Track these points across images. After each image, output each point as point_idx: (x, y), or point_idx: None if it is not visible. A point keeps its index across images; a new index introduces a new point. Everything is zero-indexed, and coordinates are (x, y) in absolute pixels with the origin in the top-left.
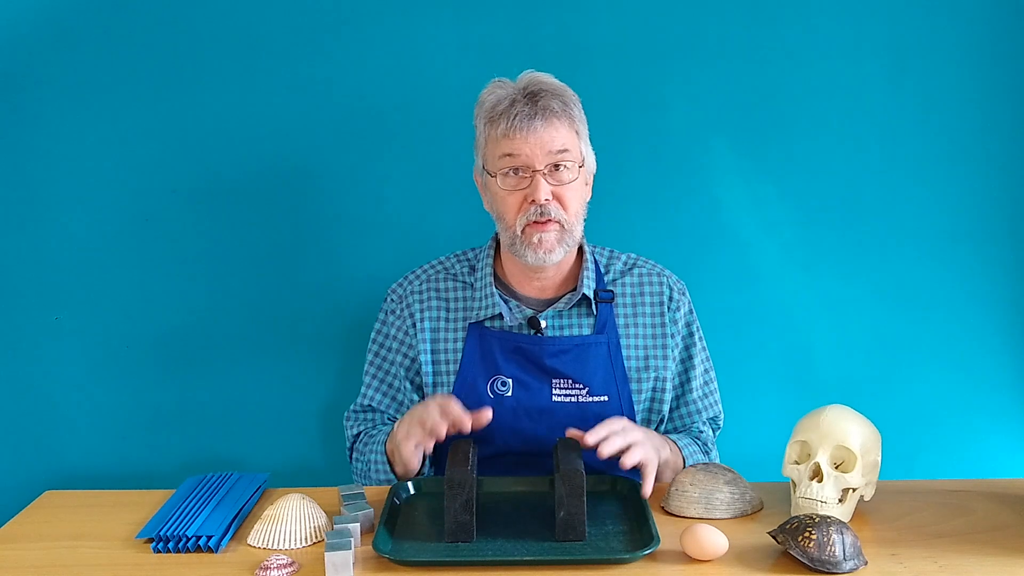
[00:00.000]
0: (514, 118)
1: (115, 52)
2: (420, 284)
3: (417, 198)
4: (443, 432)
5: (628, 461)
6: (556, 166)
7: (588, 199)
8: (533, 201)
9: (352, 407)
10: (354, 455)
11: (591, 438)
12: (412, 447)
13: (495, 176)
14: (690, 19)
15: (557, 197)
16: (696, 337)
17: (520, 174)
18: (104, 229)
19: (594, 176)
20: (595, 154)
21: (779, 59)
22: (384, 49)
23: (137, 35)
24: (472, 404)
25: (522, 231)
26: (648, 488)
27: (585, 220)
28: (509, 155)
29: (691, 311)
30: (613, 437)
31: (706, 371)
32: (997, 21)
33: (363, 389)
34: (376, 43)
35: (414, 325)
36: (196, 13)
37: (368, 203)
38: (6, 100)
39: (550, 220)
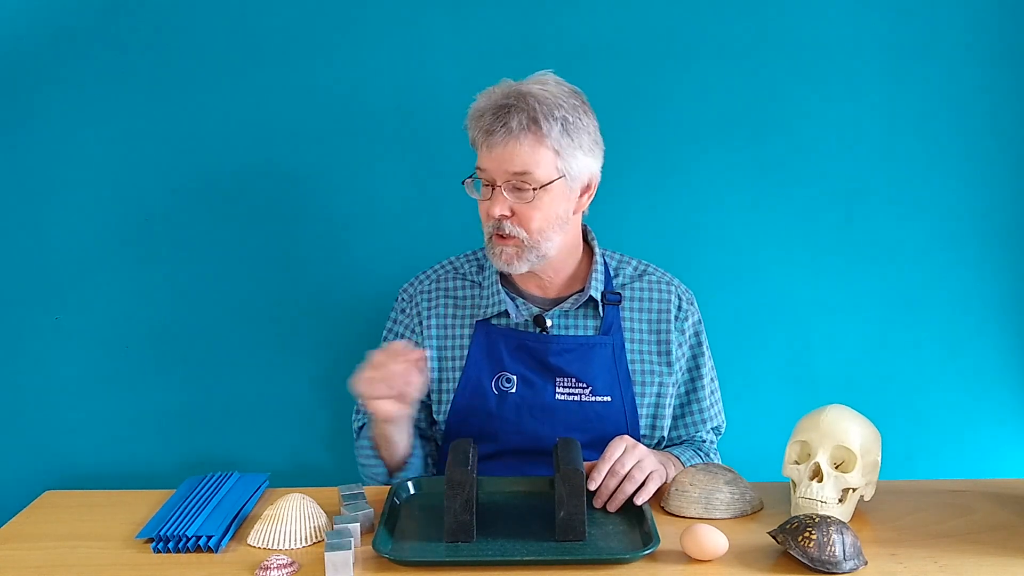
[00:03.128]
0: (480, 131)
1: (115, 52)
2: (429, 284)
3: (420, 198)
4: (399, 372)
5: (647, 495)
6: (517, 185)
7: (571, 210)
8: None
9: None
10: (356, 447)
11: (593, 484)
12: (386, 406)
13: (466, 181)
14: (691, 19)
15: (517, 213)
16: (704, 347)
17: (487, 184)
18: (104, 229)
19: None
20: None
21: (780, 59)
22: (388, 49)
23: (137, 35)
24: (476, 399)
25: (489, 239)
26: (645, 498)
27: (587, 220)
28: (480, 168)
29: (699, 320)
30: (625, 484)
31: (712, 380)
32: (997, 21)
33: None
34: (380, 42)
35: (420, 323)
36: (196, 13)
37: (369, 203)
38: (6, 100)
39: (506, 236)
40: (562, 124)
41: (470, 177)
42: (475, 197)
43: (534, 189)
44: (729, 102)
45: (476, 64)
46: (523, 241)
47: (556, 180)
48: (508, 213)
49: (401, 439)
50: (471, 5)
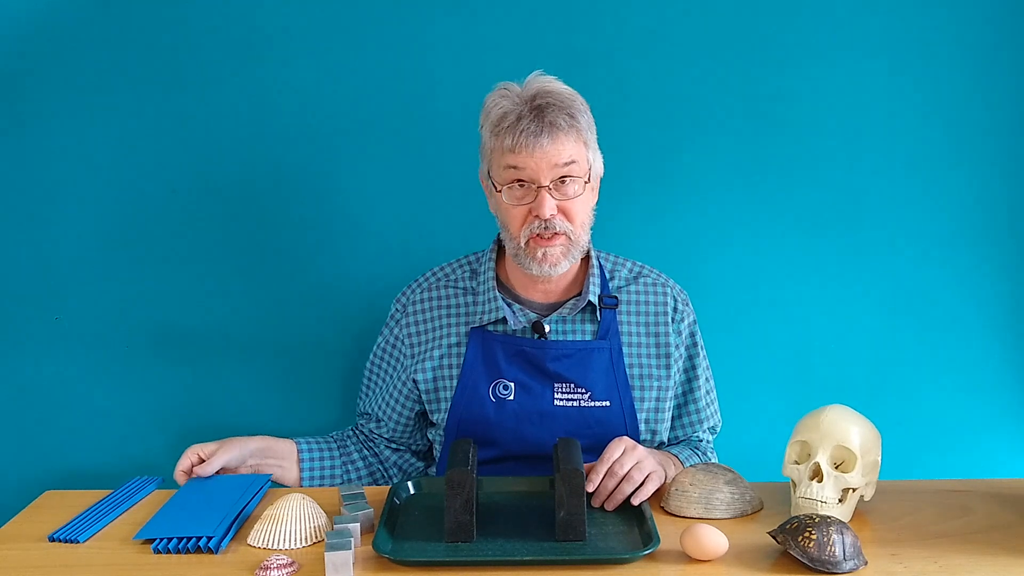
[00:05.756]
0: (520, 134)
1: (115, 52)
2: (422, 292)
3: (421, 198)
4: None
5: (645, 495)
6: (562, 180)
7: (595, 204)
8: (538, 216)
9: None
10: None
11: (591, 485)
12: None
13: (500, 188)
14: (690, 20)
15: (563, 210)
16: (699, 347)
17: (525, 187)
18: (104, 229)
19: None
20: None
21: (780, 60)
22: (387, 49)
23: (137, 35)
24: (474, 407)
25: (526, 243)
26: (642, 498)
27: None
28: (514, 167)
29: (694, 321)
30: (624, 484)
31: (707, 379)
32: (997, 21)
33: (361, 391)
34: (379, 43)
35: (410, 336)
36: (196, 13)
37: (370, 203)
38: (6, 100)
39: (556, 234)
40: (586, 119)
41: (498, 185)
42: (509, 203)
43: (585, 182)
44: (729, 102)
45: (477, 65)
46: (570, 236)
47: (590, 172)
48: (556, 211)
49: (282, 474)
50: (471, 5)
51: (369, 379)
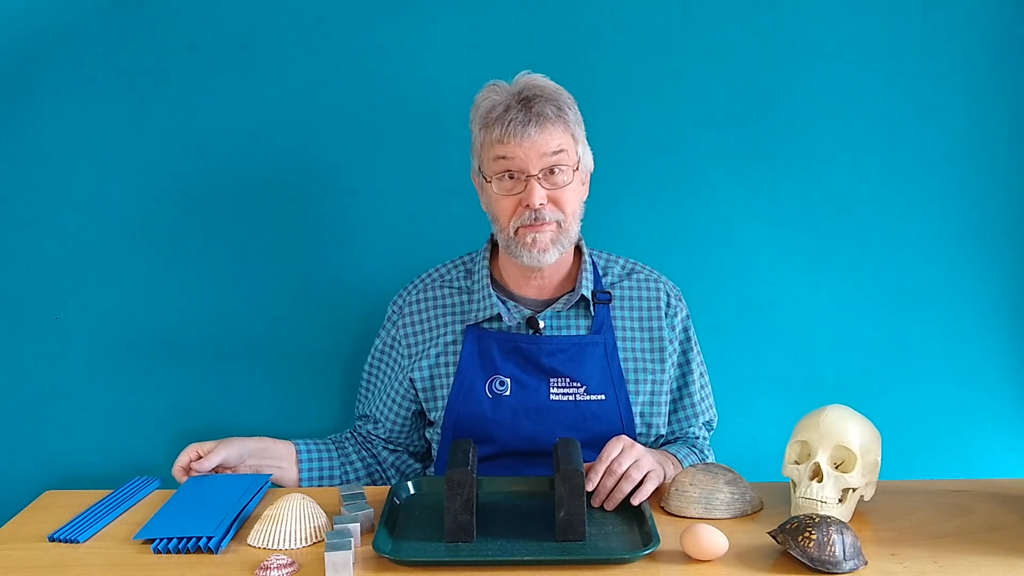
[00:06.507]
0: (508, 124)
1: (115, 52)
2: (417, 294)
3: (423, 196)
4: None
5: (644, 494)
6: (551, 170)
7: (585, 198)
8: (528, 205)
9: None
10: None
11: (590, 484)
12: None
13: (490, 180)
14: (690, 19)
15: (553, 199)
16: (692, 342)
17: (515, 178)
18: (104, 229)
19: (593, 176)
20: (595, 154)
21: (779, 59)
22: (386, 51)
23: (137, 35)
24: (471, 404)
25: (515, 232)
26: (641, 498)
27: (584, 221)
28: (503, 157)
29: (687, 316)
30: (623, 483)
31: (702, 375)
32: (996, 21)
33: (360, 393)
34: (378, 45)
35: (407, 336)
36: (196, 13)
37: (372, 202)
38: (7, 100)
39: (545, 222)
40: (575, 112)
41: (488, 176)
42: (499, 194)
43: (574, 170)
44: (729, 101)
45: (475, 65)
46: (560, 224)
47: (579, 164)
48: (545, 200)
49: (280, 475)
50: (471, 5)
51: (367, 381)
